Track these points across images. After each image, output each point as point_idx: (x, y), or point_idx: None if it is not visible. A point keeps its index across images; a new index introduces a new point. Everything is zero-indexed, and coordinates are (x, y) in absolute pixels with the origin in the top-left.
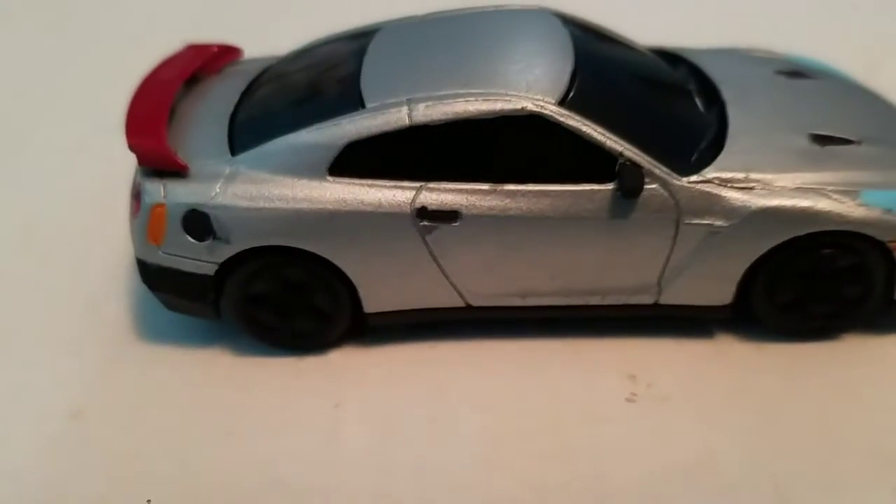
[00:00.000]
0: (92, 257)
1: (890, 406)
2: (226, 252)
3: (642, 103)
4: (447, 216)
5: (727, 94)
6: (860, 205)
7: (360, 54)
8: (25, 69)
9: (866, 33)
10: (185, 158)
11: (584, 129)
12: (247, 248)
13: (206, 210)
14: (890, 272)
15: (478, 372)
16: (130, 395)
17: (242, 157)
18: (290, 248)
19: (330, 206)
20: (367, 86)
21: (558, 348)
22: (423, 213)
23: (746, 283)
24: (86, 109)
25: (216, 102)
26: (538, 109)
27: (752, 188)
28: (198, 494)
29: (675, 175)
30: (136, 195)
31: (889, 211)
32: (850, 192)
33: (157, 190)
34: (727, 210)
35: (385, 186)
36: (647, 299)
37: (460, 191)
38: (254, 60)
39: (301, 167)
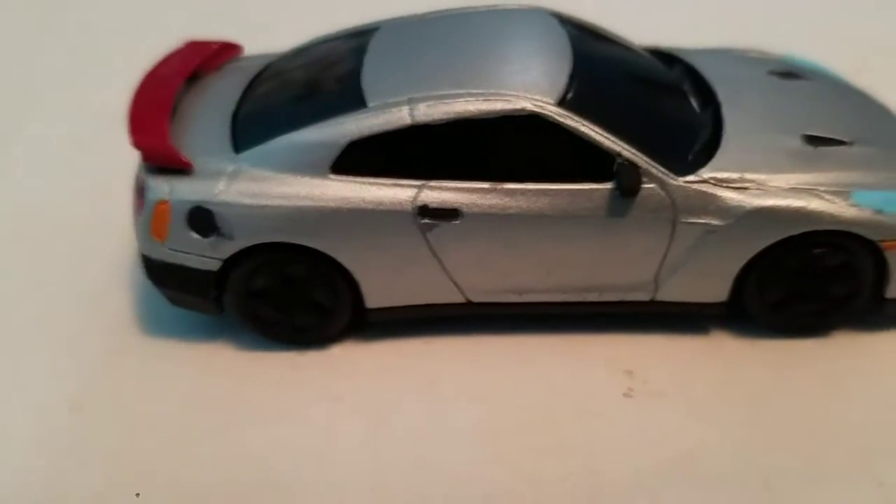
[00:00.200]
0: (91, 253)
1: (877, 401)
2: (229, 248)
3: (639, 103)
4: (448, 214)
5: (722, 94)
6: (852, 205)
7: (360, 53)
8: (21, 63)
9: (856, 34)
10: (188, 155)
11: (582, 129)
12: (250, 244)
13: (211, 207)
14: (879, 271)
15: (475, 366)
16: (131, 389)
17: (246, 154)
18: (292, 244)
19: (332, 204)
20: (368, 85)
21: (555, 344)
22: (424, 210)
23: (741, 281)
24: (82, 105)
25: (218, 100)
26: (537, 110)
27: (746, 188)
28: (196, 488)
29: (671, 175)
30: (140, 192)
31: (880, 211)
32: (841, 192)
33: (162, 187)
34: (723, 209)
35: (386, 185)
36: (643, 296)
37: (461, 189)
38: (254, 58)
39: (304, 165)
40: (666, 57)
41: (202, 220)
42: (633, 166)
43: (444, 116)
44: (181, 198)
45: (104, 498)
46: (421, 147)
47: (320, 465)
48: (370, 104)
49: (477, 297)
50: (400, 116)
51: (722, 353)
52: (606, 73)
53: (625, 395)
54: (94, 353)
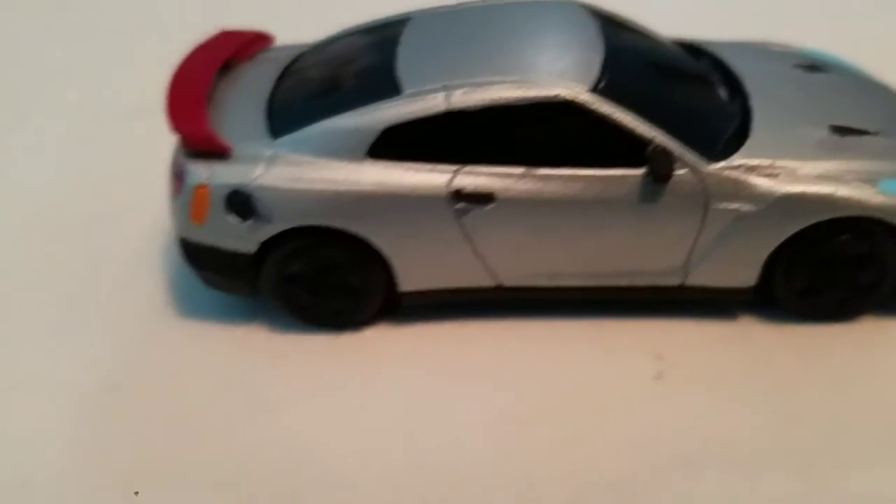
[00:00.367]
0: (121, 238)
1: None
2: (267, 231)
3: (670, 92)
4: (482, 199)
5: (749, 85)
6: (878, 193)
7: (393, 43)
8: (41, 50)
9: (876, 28)
10: (225, 141)
11: (615, 115)
12: (288, 227)
13: (249, 190)
14: None
15: (506, 351)
16: (167, 370)
17: (283, 140)
18: (328, 228)
19: (368, 188)
20: (402, 73)
21: (585, 329)
22: (458, 195)
23: (769, 267)
24: (107, 92)
25: (252, 88)
26: (571, 96)
27: (777, 175)
28: (232, 465)
29: (703, 161)
30: (178, 176)
31: None
32: (868, 180)
33: (201, 171)
34: (753, 195)
35: (422, 169)
36: (673, 281)
37: (495, 174)
38: (286, 48)
39: (341, 150)
40: (692, 49)
41: (240, 203)
42: (665, 152)
43: (479, 103)
44: (220, 182)
45: (141, 474)
46: (456, 133)
47: (355, 445)
48: (405, 91)
49: (509, 282)
50: (435, 103)
51: (750, 338)
52: (637, 62)
53: (655, 378)
54: (130, 335)
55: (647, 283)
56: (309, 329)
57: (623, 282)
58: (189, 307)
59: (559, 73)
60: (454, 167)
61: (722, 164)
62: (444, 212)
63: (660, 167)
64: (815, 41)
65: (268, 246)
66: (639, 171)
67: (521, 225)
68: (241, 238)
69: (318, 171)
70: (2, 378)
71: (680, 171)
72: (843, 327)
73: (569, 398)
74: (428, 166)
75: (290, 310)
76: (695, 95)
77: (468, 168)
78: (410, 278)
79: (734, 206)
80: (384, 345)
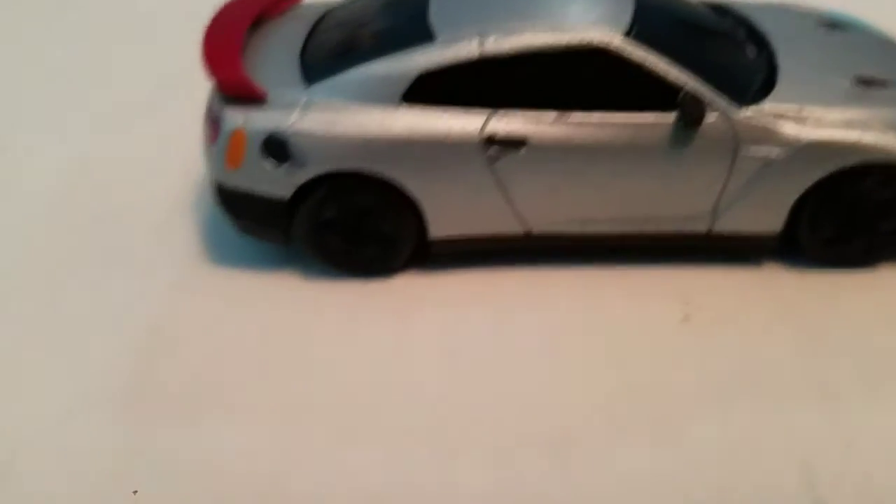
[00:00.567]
0: (151, 192)
1: None
2: (301, 176)
3: (699, 43)
4: (514, 144)
5: (774, 41)
6: None
7: None
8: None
9: None
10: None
11: (648, 60)
12: (322, 172)
13: (286, 135)
14: None
15: (535, 298)
16: (204, 315)
17: (318, 86)
18: (361, 174)
19: (402, 133)
20: (436, 20)
21: (611, 276)
22: (491, 140)
23: (795, 214)
24: (142, 58)
25: (284, 39)
26: (605, 42)
27: (804, 121)
28: (275, 397)
29: (733, 107)
30: (214, 122)
31: None
32: (893, 127)
33: (237, 116)
34: (782, 141)
35: (455, 115)
36: (700, 228)
37: (528, 119)
38: (316, 5)
39: (375, 96)
40: (717, 9)
41: (276, 148)
42: (697, 97)
43: (513, 48)
44: (256, 126)
45: (185, 407)
46: (489, 79)
47: (399, 377)
48: (439, 38)
49: (538, 229)
50: (469, 49)
51: (776, 283)
52: (667, 13)
53: (682, 321)
54: (167, 282)
55: (675, 230)
56: (340, 277)
57: (651, 228)
58: (220, 256)
59: (592, 19)
60: (487, 112)
61: (751, 110)
62: (477, 157)
63: (691, 112)
64: (834, 3)
65: (302, 192)
66: (670, 117)
67: (552, 170)
68: (277, 183)
69: (352, 117)
70: (42, 322)
71: (711, 117)
72: (866, 274)
73: (598, 338)
74: (461, 112)
75: (323, 257)
76: (722, 47)
77: (501, 113)
78: (441, 225)
79: (763, 151)
80: (415, 291)
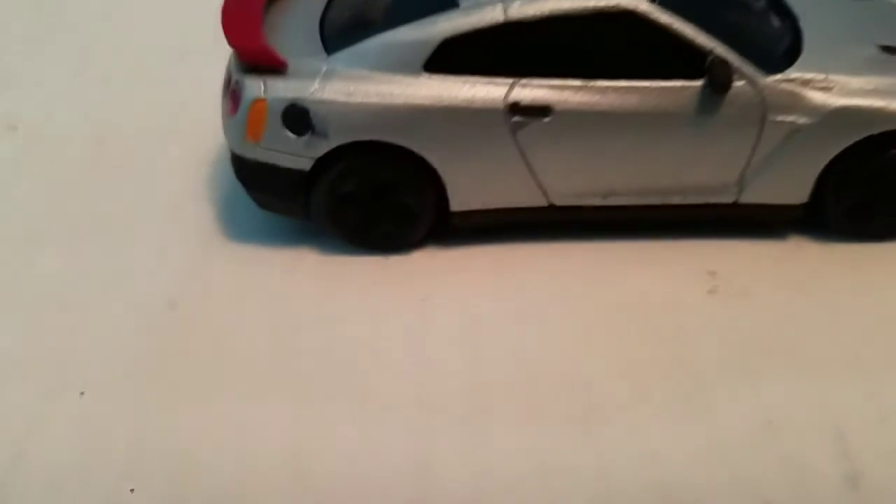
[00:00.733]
0: (167, 168)
1: None
2: (323, 147)
3: (725, 8)
4: (539, 112)
5: (797, 9)
6: None
7: None
8: None
9: None
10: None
11: (675, 25)
12: (344, 142)
13: (306, 105)
14: None
15: (558, 272)
16: (222, 289)
17: (339, 55)
18: (382, 145)
19: (425, 101)
20: None
21: (635, 250)
22: (515, 108)
23: (821, 184)
24: (157, 30)
25: (304, 9)
26: (631, 6)
27: (831, 88)
28: (294, 375)
29: (760, 73)
30: (233, 93)
31: None
32: None
33: (258, 86)
34: (809, 108)
35: (479, 82)
36: (726, 198)
37: (552, 87)
38: None
39: (397, 64)
40: None
41: (297, 117)
42: (725, 62)
43: (538, 14)
44: (277, 95)
45: (204, 382)
46: (514, 45)
47: (419, 351)
48: (463, 3)
49: (561, 201)
50: (493, 14)
51: (802, 256)
52: None
53: (710, 292)
54: (184, 257)
55: (701, 201)
56: (358, 253)
57: (677, 200)
58: (238, 231)
59: None
60: (511, 80)
61: (778, 76)
62: (500, 126)
63: (719, 77)
64: None
65: (322, 164)
66: (697, 83)
67: (576, 139)
68: (297, 154)
69: (374, 85)
70: (59, 298)
71: (738, 83)
72: (893, 245)
73: (623, 313)
74: (485, 79)
75: (341, 231)
76: (747, 15)
77: (525, 81)
78: (462, 197)
79: (790, 118)
80: (435, 266)
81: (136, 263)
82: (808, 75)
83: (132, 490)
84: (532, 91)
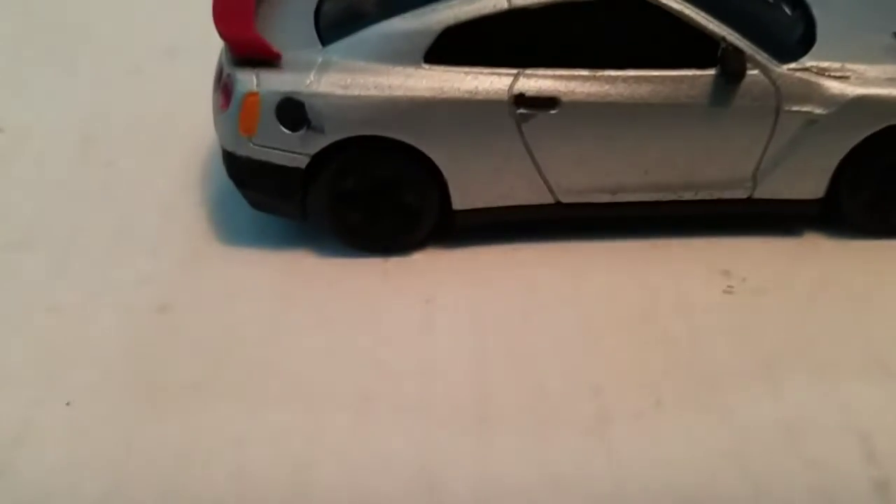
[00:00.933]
0: (157, 168)
1: None
2: (319, 143)
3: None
4: (545, 103)
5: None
6: None
7: None
8: None
9: None
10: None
11: (686, 11)
12: (341, 138)
13: (301, 98)
14: None
15: (566, 272)
16: (216, 292)
17: (335, 46)
18: (382, 140)
19: (425, 94)
20: None
21: (645, 248)
22: (520, 100)
23: (837, 178)
24: (147, 30)
25: (296, 0)
26: None
27: (847, 77)
28: (291, 382)
29: (774, 62)
30: (226, 87)
31: None
32: None
33: (250, 79)
34: (825, 98)
35: (482, 73)
36: (740, 194)
37: (559, 77)
38: None
39: (396, 55)
40: None
41: (292, 112)
42: (738, 50)
43: (543, 0)
44: (271, 89)
45: (196, 389)
46: (518, 33)
47: (423, 357)
48: None
49: (567, 198)
50: (497, 1)
51: (818, 253)
52: None
53: (724, 292)
54: (175, 260)
55: (714, 197)
56: (358, 255)
57: (688, 195)
58: (232, 234)
59: None
60: (516, 70)
61: (793, 65)
62: (505, 118)
63: (732, 65)
64: None
65: (319, 161)
66: (709, 72)
67: (584, 132)
68: (292, 151)
69: (372, 77)
70: (45, 303)
71: (752, 72)
72: None
73: (635, 314)
74: (488, 70)
75: (340, 231)
76: (760, 2)
77: (531, 71)
78: (466, 195)
79: (806, 108)
80: (437, 267)
81: (125, 267)
82: (824, 64)
83: None
84: (538, 82)
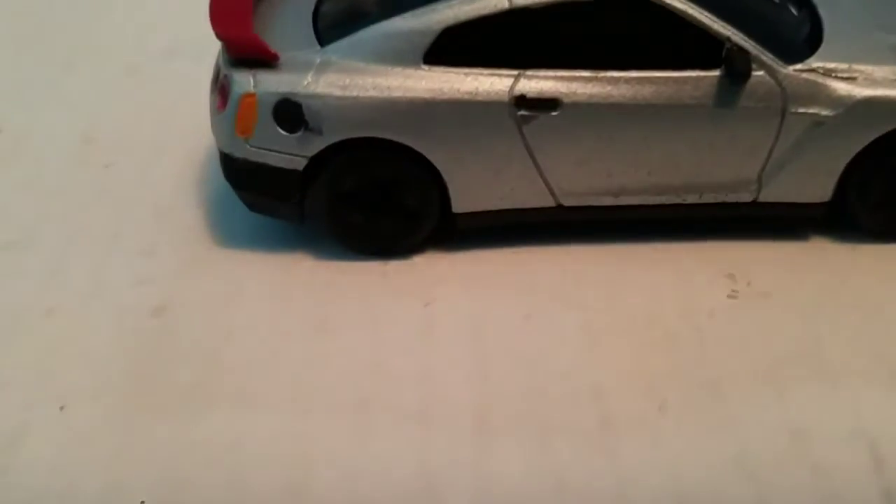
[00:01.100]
0: (156, 170)
1: None
2: (317, 144)
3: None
4: (546, 105)
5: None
6: None
7: None
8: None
9: None
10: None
11: (690, 11)
12: (339, 139)
13: (299, 99)
14: None
15: (568, 274)
16: (212, 295)
17: (334, 46)
18: (381, 141)
19: (425, 95)
20: None
21: (649, 252)
22: (521, 101)
23: (844, 181)
24: (144, 32)
25: (294, 1)
26: None
27: (854, 78)
28: (289, 385)
29: (780, 63)
30: (223, 88)
31: None
32: None
33: (247, 80)
34: (832, 99)
35: (482, 74)
36: (746, 197)
37: (561, 78)
38: None
39: (395, 55)
40: None
41: (290, 113)
42: (743, 50)
43: (545, 0)
44: (268, 89)
45: (192, 393)
46: (519, 34)
47: (423, 359)
48: None
49: (570, 201)
50: (497, 1)
51: (824, 257)
52: None
53: (729, 296)
54: (171, 263)
55: (718, 200)
56: (357, 258)
57: (693, 199)
58: (228, 237)
59: None
60: (517, 72)
61: (799, 66)
62: (506, 120)
63: (738, 66)
64: None
65: (317, 163)
66: (714, 73)
67: (586, 134)
68: (290, 153)
69: (371, 78)
70: (40, 305)
71: (757, 73)
72: None
73: (638, 318)
74: (488, 71)
75: (339, 234)
76: (765, 2)
77: (532, 72)
78: (465, 197)
79: (812, 110)
80: (438, 270)
81: (121, 269)
82: (831, 65)
83: None
84: (539, 83)
